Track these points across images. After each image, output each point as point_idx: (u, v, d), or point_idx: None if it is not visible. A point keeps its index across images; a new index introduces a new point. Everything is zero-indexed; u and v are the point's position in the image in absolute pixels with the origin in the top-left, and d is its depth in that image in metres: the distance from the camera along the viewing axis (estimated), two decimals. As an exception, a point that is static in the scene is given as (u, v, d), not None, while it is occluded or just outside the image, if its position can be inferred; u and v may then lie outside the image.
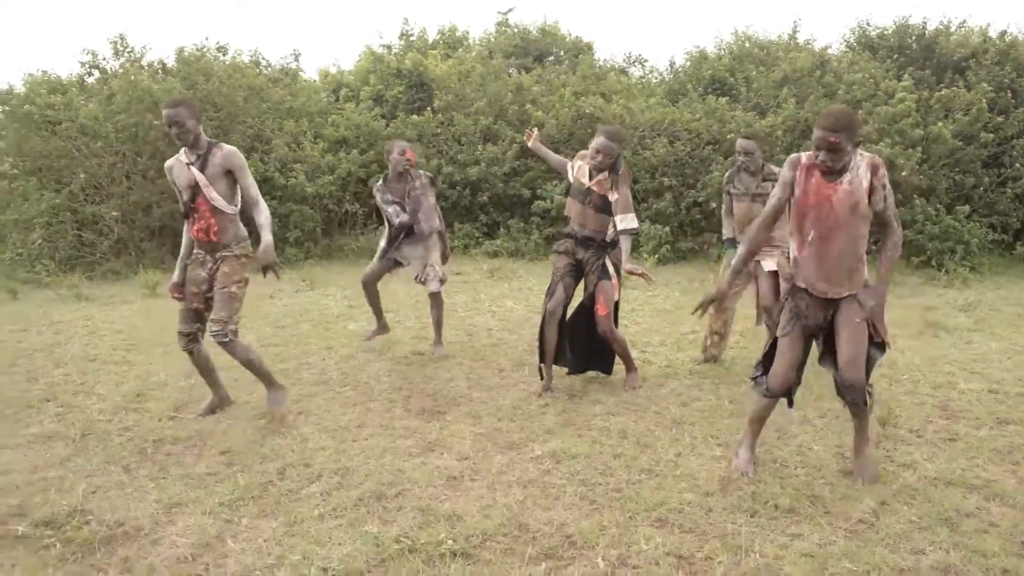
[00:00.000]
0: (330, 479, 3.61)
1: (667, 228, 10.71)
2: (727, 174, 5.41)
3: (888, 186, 3.35)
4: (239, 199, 4.28)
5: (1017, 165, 10.40)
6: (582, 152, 4.85)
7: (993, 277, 9.76)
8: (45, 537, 3.07)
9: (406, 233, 5.85)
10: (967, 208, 10.18)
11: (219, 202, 4.16)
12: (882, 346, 3.56)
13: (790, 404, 3.88)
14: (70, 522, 3.17)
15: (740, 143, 5.19)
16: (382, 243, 6.00)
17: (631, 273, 4.54)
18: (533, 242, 11.28)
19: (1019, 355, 5.88)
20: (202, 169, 4.16)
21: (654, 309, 7.62)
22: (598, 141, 4.61)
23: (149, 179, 10.44)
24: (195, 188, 4.19)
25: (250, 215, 4.24)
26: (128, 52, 11.09)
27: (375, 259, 6.02)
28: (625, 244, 4.62)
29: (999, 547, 2.98)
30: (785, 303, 3.63)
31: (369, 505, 3.34)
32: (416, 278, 5.92)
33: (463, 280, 9.36)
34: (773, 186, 5.01)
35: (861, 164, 3.31)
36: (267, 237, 4.14)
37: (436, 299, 5.88)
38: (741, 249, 3.70)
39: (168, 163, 4.35)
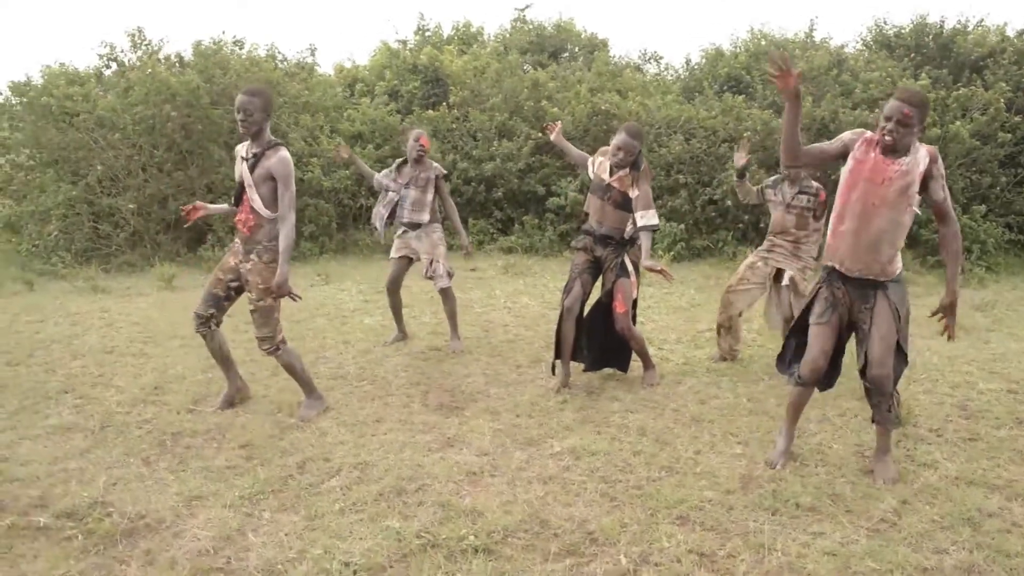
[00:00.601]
0: (350, 473, 3.61)
1: (682, 226, 10.69)
2: (772, 179, 5.35)
3: (944, 176, 3.39)
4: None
5: (1035, 165, 10.33)
6: (603, 148, 4.84)
7: (1009, 277, 9.70)
8: (67, 529, 3.08)
9: (404, 226, 5.88)
10: (983, 208, 10.13)
11: (258, 204, 4.12)
12: (904, 357, 3.61)
13: (822, 388, 3.94)
14: (91, 514, 3.19)
15: None
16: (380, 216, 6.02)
17: (651, 270, 4.53)
18: (548, 238, 11.27)
19: (1038, 356, 5.84)
20: (252, 169, 4.13)
21: (670, 307, 7.59)
22: (619, 138, 4.60)
23: (166, 172, 10.48)
24: (242, 185, 4.19)
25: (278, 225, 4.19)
26: (146, 45, 11.13)
27: (392, 253, 6.04)
28: (645, 241, 4.61)
29: (1022, 547, 2.97)
30: (819, 292, 3.65)
31: (389, 500, 3.34)
32: (424, 274, 5.93)
33: (478, 276, 9.36)
34: (808, 199, 5.04)
35: (920, 150, 3.35)
36: (283, 266, 4.08)
37: (447, 294, 5.90)
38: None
39: (238, 148, 4.30)
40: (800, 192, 5.14)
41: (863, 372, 3.57)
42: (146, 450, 3.91)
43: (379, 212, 5.96)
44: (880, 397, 3.54)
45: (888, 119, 3.28)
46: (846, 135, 3.50)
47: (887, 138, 3.29)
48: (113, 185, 10.47)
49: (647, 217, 4.61)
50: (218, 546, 2.96)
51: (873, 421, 3.67)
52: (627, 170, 4.66)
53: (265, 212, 4.13)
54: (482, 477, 3.59)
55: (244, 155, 4.18)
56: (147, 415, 4.43)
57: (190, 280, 9.13)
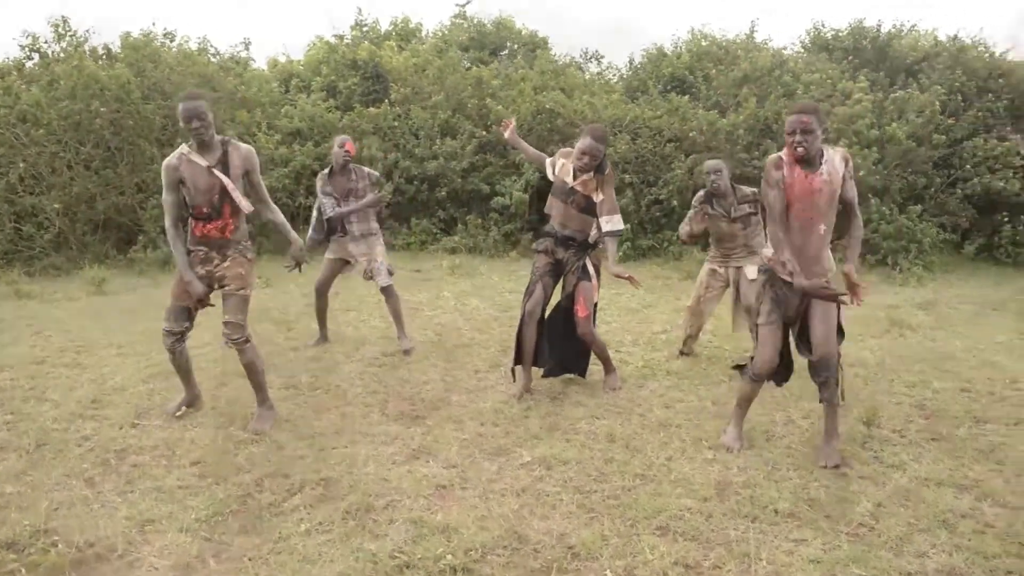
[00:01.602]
0: (313, 491, 3.42)
1: (627, 226, 10.68)
2: (699, 196, 5.39)
3: (853, 175, 3.70)
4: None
5: (968, 167, 10.64)
6: (565, 150, 4.72)
7: (944, 275, 9.96)
8: (8, 561, 2.82)
9: (341, 231, 5.70)
10: (919, 208, 10.39)
11: (244, 203, 4.02)
12: (842, 332, 3.84)
13: (778, 384, 4.23)
14: (34, 544, 2.93)
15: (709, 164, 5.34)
16: (310, 232, 5.88)
17: (619, 277, 4.45)
18: (492, 239, 11.13)
19: (983, 353, 5.97)
20: (226, 172, 3.96)
21: (622, 308, 7.55)
22: (584, 142, 4.47)
23: (93, 169, 10.01)
24: (222, 193, 3.98)
25: (262, 214, 4.30)
26: (71, 35, 10.59)
27: (324, 260, 5.88)
28: (611, 246, 4.52)
29: (1000, 548, 2.98)
30: (764, 294, 3.84)
31: (358, 518, 3.17)
32: (364, 275, 5.78)
33: (424, 277, 9.19)
34: (749, 205, 5.21)
35: (835, 156, 3.63)
36: (295, 235, 4.31)
37: (389, 292, 5.76)
38: (770, 251, 3.79)
39: (171, 162, 3.99)
40: (740, 202, 5.26)
41: (810, 352, 3.77)
42: (89, 470, 3.63)
43: (313, 230, 5.81)
44: (827, 373, 3.72)
45: (792, 133, 3.52)
46: (771, 175, 3.63)
47: (799, 149, 3.52)
48: (36, 184, 9.93)
49: (612, 222, 4.52)
50: (178, 575, 2.75)
51: (821, 400, 3.83)
52: (591, 174, 4.55)
53: (248, 208, 4.09)
54: (453, 491, 3.44)
55: (205, 164, 3.95)
56: (86, 431, 4.14)
57: (122, 284, 8.72)
